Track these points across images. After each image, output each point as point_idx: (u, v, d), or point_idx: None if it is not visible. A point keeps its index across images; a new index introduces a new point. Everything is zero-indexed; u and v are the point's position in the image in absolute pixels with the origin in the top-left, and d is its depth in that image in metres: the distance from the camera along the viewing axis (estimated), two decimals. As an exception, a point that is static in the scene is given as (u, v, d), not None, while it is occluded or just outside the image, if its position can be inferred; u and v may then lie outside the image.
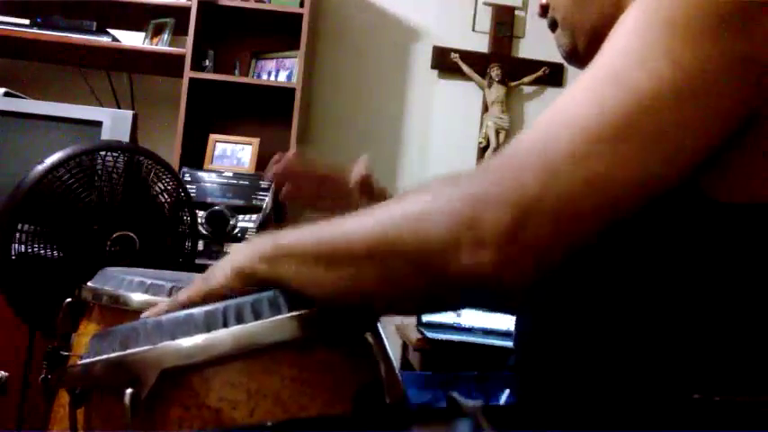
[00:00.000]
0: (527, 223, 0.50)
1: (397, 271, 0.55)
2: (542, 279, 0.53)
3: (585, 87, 0.55)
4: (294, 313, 0.58)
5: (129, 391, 0.55)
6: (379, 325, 0.65)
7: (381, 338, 0.64)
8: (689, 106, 0.52)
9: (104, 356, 0.60)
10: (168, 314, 0.60)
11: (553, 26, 0.82)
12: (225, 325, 0.57)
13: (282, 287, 0.59)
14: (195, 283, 0.65)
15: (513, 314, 0.78)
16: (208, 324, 0.58)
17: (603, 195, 0.52)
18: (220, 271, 0.63)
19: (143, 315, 0.65)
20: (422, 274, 0.54)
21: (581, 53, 0.79)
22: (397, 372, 0.64)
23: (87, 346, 0.64)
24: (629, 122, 0.52)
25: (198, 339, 0.57)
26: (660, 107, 0.52)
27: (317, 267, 0.58)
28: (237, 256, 0.63)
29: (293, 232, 0.61)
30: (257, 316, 0.58)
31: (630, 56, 0.54)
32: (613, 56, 0.55)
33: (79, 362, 0.63)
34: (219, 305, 0.59)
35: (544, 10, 0.82)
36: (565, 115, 0.54)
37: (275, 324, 0.58)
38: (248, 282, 0.61)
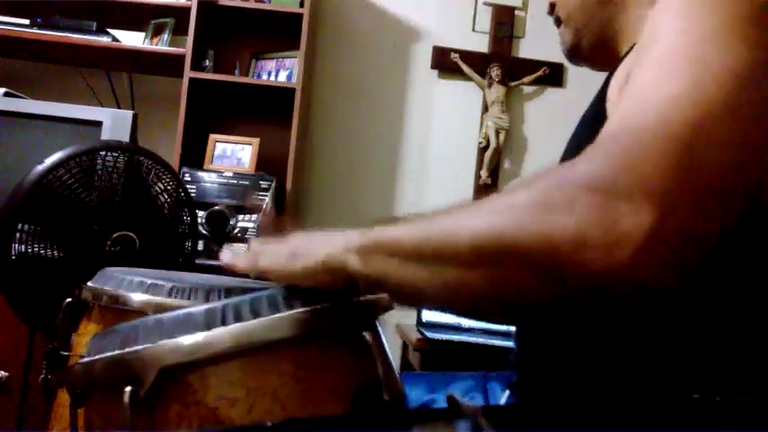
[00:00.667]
0: (671, 216, 0.43)
1: (510, 272, 0.47)
2: (683, 284, 0.46)
3: (668, 70, 0.50)
4: (293, 312, 0.59)
5: (128, 389, 0.56)
6: (377, 323, 0.65)
7: (380, 337, 0.64)
8: None
9: (104, 355, 0.60)
10: (167, 313, 0.61)
11: (559, 23, 0.83)
12: (224, 323, 0.58)
13: (376, 286, 0.56)
14: (278, 258, 0.63)
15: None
16: (207, 322, 0.58)
17: (735, 172, 0.46)
18: (308, 258, 0.60)
19: (224, 259, 0.68)
20: (541, 276, 0.46)
21: (584, 52, 0.79)
22: (395, 370, 0.64)
23: (87, 346, 0.64)
24: (735, 92, 0.48)
25: (197, 338, 0.57)
26: (754, 81, 0.48)
27: (413, 265, 0.52)
28: (325, 247, 0.59)
29: (391, 226, 0.56)
30: (256, 314, 0.58)
31: (695, 35, 0.51)
32: (675, 38, 0.52)
33: (79, 361, 0.63)
34: (218, 303, 0.59)
35: (552, 7, 0.83)
36: (660, 95, 0.48)
37: (274, 322, 0.58)
38: (337, 275, 0.57)
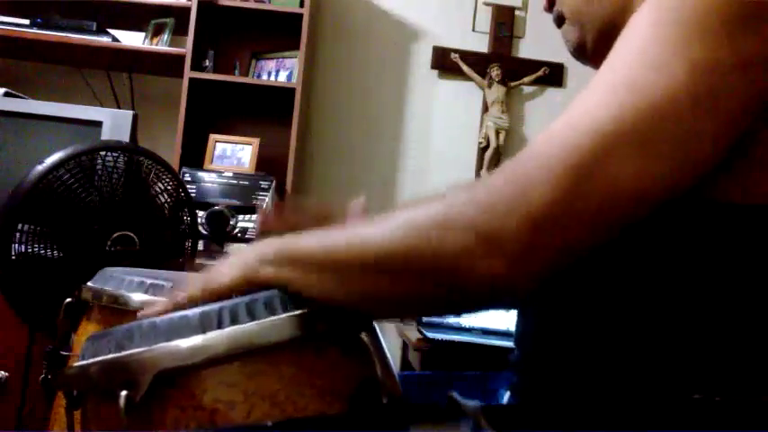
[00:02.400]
0: (542, 233, 0.51)
1: (408, 282, 0.55)
2: (550, 279, 0.54)
3: (603, 91, 0.54)
4: (289, 314, 0.58)
5: (123, 393, 0.55)
6: (375, 324, 0.65)
7: (377, 337, 0.64)
8: (706, 110, 0.52)
9: (99, 358, 0.59)
10: (163, 315, 0.60)
11: (559, 21, 0.80)
12: (220, 326, 0.57)
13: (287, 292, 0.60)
14: (194, 284, 0.64)
15: (514, 310, 0.79)
16: (203, 325, 0.57)
17: (620, 202, 0.52)
18: (223, 273, 0.63)
19: (139, 314, 0.64)
20: (433, 283, 0.54)
21: (590, 49, 0.77)
22: (393, 370, 0.64)
23: (82, 349, 0.64)
24: (647, 129, 0.51)
25: (193, 341, 0.57)
26: (678, 113, 0.52)
27: (324, 276, 0.58)
28: (241, 259, 0.63)
29: (300, 237, 0.61)
30: (252, 317, 0.58)
31: (646, 58, 0.54)
32: (629, 58, 0.55)
33: (75, 364, 0.63)
34: (215, 306, 0.59)
35: (550, 4, 0.80)
36: (582, 121, 0.53)
37: (271, 324, 0.58)
38: (253, 286, 0.61)
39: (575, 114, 0.54)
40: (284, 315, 0.58)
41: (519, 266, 0.51)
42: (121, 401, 0.55)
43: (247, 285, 0.61)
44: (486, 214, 0.52)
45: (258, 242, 0.65)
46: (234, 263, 0.63)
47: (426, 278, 0.55)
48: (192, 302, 0.62)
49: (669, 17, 0.54)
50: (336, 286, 0.58)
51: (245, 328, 0.57)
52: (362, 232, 0.58)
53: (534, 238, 0.51)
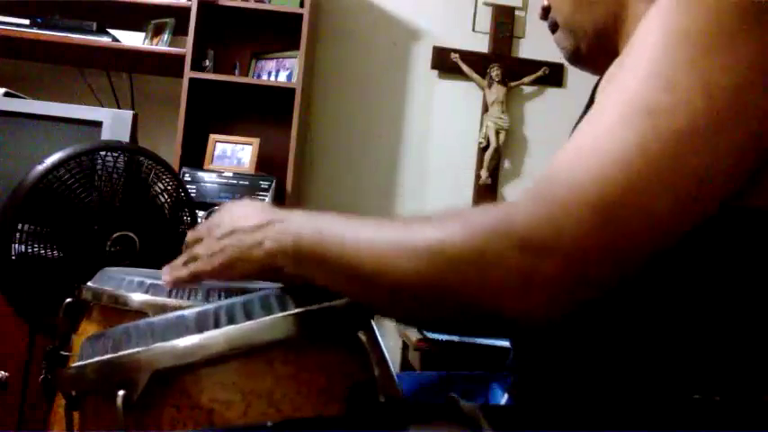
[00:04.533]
0: (578, 270, 0.51)
1: (443, 313, 0.56)
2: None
3: (620, 113, 0.53)
4: (286, 313, 0.58)
5: (121, 393, 0.55)
6: (373, 323, 0.65)
7: (375, 337, 0.64)
8: (727, 131, 0.52)
9: (96, 359, 0.60)
10: (159, 316, 0.60)
11: (554, 28, 0.81)
12: (217, 325, 0.57)
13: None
14: (214, 260, 0.66)
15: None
16: (200, 325, 0.58)
17: (653, 235, 0.52)
18: (247, 262, 0.64)
19: (164, 271, 0.68)
20: (474, 319, 0.55)
21: (584, 54, 0.77)
22: (391, 370, 0.64)
23: (80, 350, 0.64)
24: (673, 160, 0.51)
25: (190, 340, 0.57)
26: (700, 138, 0.51)
27: (350, 285, 0.59)
28: (262, 252, 0.63)
29: (321, 225, 0.61)
30: (249, 316, 0.58)
31: (660, 81, 0.53)
32: (641, 80, 0.54)
33: (72, 365, 0.63)
34: (211, 306, 0.59)
35: (545, 12, 0.81)
36: (604, 150, 0.52)
37: (267, 324, 0.58)
38: (272, 277, 0.65)
39: (593, 143, 0.53)
40: (281, 314, 0.58)
41: (555, 305, 0.52)
42: (119, 401, 0.55)
43: (271, 274, 0.64)
44: (525, 253, 0.51)
45: (277, 213, 0.65)
46: (256, 242, 0.63)
47: (463, 313, 0.55)
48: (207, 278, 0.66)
49: (675, 30, 0.54)
50: (360, 296, 0.60)
51: (242, 327, 0.57)
52: (390, 246, 0.56)
53: (570, 276, 0.51)
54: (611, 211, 0.50)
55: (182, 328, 0.58)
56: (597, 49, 0.78)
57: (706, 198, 0.52)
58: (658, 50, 0.54)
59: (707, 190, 0.52)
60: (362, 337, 0.61)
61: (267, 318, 0.58)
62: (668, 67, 0.53)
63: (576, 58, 0.79)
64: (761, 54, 0.52)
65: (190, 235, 0.73)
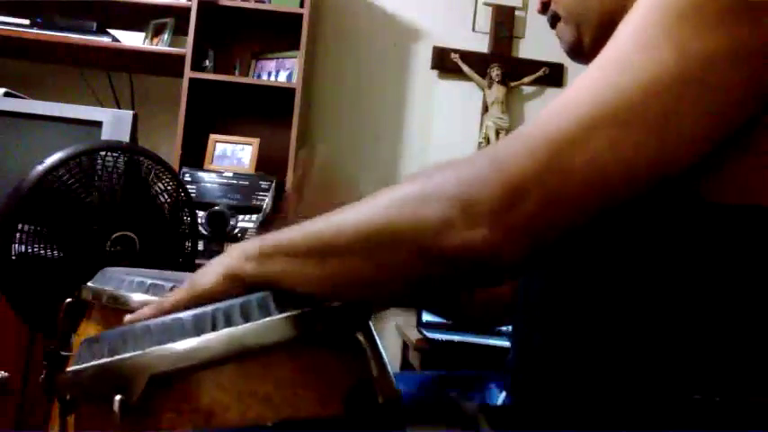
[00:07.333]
0: (520, 202, 0.51)
1: (391, 256, 0.55)
2: (536, 258, 0.54)
3: (590, 74, 0.55)
4: (284, 314, 0.58)
5: (118, 397, 0.55)
6: (371, 324, 0.65)
7: (373, 337, 0.64)
8: (692, 94, 0.52)
9: (93, 363, 0.59)
10: (156, 319, 0.60)
11: (553, 21, 0.80)
12: (214, 328, 0.57)
13: (272, 287, 0.59)
14: (181, 288, 0.64)
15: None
16: (197, 328, 0.57)
17: (599, 179, 0.52)
18: (208, 275, 0.62)
19: (126, 318, 0.63)
20: (416, 256, 0.54)
21: (586, 48, 0.77)
22: (389, 370, 0.64)
23: (76, 353, 0.64)
24: (629, 107, 0.52)
25: (187, 343, 0.57)
26: (662, 93, 0.52)
27: (306, 262, 0.58)
28: (225, 259, 0.63)
29: (281, 231, 0.61)
30: (246, 318, 0.58)
31: (635, 41, 0.54)
32: (619, 43, 0.56)
33: (69, 369, 0.62)
34: (208, 308, 0.58)
35: (544, 6, 0.80)
36: (567, 100, 0.54)
37: (265, 326, 0.58)
38: (237, 283, 0.60)
39: (563, 97, 0.55)
40: (278, 316, 0.58)
41: (498, 236, 0.51)
42: (116, 406, 0.55)
43: (231, 284, 0.61)
44: (465, 185, 0.52)
45: (241, 243, 0.64)
46: (218, 262, 0.63)
47: (407, 251, 0.54)
48: (178, 307, 0.61)
49: (664, 6, 0.54)
50: (320, 272, 0.57)
51: (240, 329, 0.57)
52: (343, 214, 0.58)
53: (511, 206, 0.51)
54: (554, 148, 0.51)
55: (179, 330, 0.57)
56: (600, 42, 0.77)
57: (653, 151, 0.52)
58: (642, 18, 0.55)
59: (655, 144, 0.52)
60: (360, 337, 0.61)
61: (265, 320, 0.58)
62: (648, 33, 0.54)
63: (578, 50, 0.78)
64: (734, 32, 0.52)
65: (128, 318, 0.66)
